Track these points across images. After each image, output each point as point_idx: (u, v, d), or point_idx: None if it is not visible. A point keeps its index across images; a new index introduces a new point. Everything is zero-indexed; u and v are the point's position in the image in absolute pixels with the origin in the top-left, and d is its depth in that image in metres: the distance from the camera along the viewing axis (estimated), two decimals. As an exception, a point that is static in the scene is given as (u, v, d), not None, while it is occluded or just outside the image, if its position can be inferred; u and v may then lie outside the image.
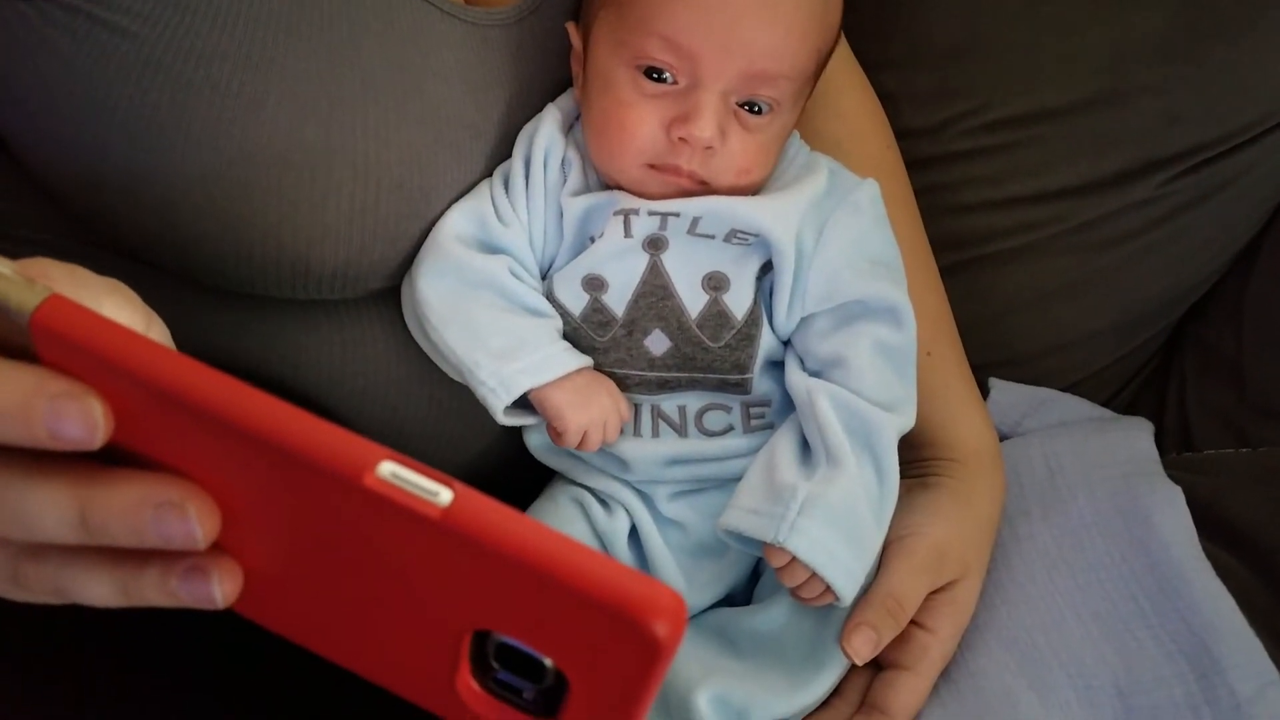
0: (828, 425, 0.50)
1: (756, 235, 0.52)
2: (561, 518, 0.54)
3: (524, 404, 0.52)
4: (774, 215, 0.52)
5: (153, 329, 0.33)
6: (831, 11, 0.53)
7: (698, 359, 0.53)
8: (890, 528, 0.52)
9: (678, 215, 0.52)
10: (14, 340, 0.28)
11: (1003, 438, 0.64)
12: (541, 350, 0.51)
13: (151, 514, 0.28)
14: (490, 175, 0.53)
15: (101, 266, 0.33)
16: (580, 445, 0.52)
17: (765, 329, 0.53)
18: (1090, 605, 0.57)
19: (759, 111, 0.51)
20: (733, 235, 0.52)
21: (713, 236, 0.52)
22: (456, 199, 0.52)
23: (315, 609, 0.30)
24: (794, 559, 0.48)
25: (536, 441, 0.56)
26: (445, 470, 0.26)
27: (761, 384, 0.54)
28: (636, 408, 0.55)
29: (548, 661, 0.27)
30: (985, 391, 0.69)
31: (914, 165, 0.66)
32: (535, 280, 0.54)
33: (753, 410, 0.55)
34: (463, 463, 0.57)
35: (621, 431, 0.54)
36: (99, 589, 0.30)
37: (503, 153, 0.53)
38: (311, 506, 0.27)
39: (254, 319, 0.51)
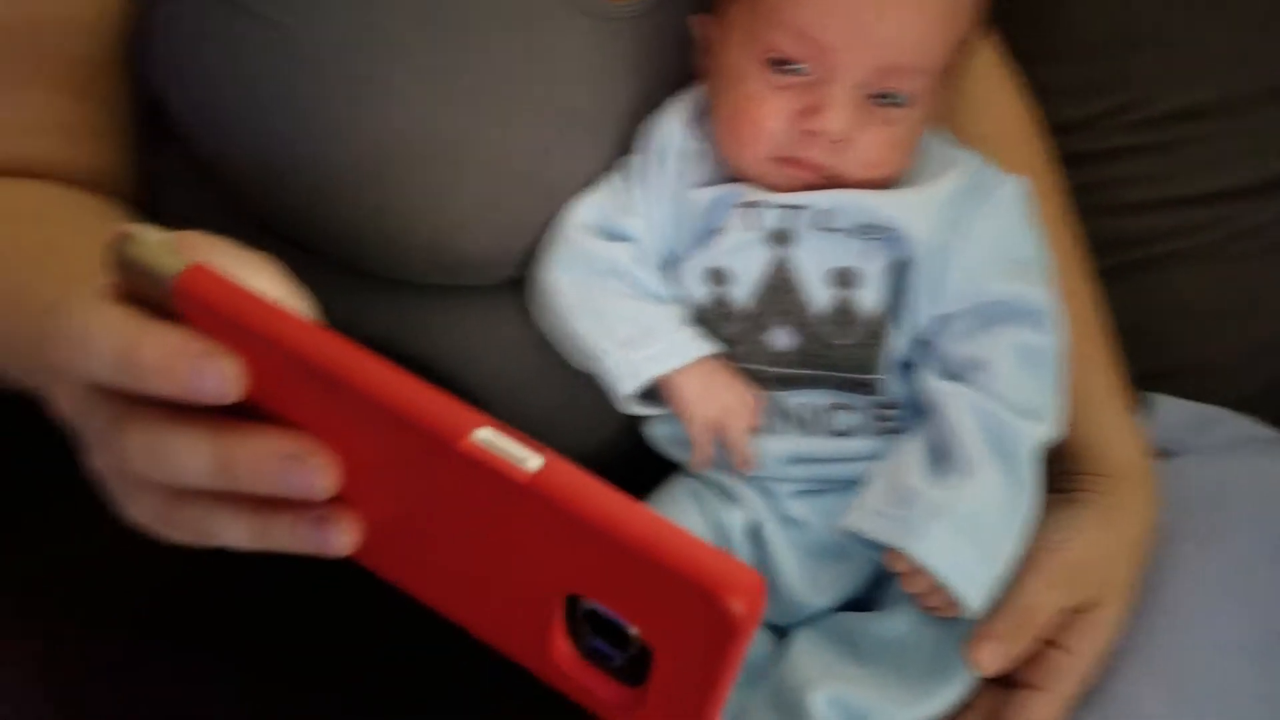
0: (963, 432, 0.48)
1: (890, 230, 0.51)
2: (678, 509, 0.54)
3: (649, 395, 0.52)
4: (909, 209, 0.50)
5: (297, 301, 0.35)
6: (971, 2, 0.51)
7: (822, 356, 0.52)
8: (1029, 541, 0.50)
9: (805, 208, 0.51)
10: (162, 302, 0.31)
11: (1165, 456, 0.60)
12: (668, 337, 0.52)
13: (277, 464, 0.31)
14: (615, 168, 0.54)
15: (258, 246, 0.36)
16: (710, 439, 0.52)
17: (895, 329, 0.52)
18: (1251, 642, 0.53)
19: (892, 104, 0.50)
20: (863, 230, 0.51)
21: (842, 230, 0.51)
22: (582, 190, 0.53)
23: (424, 563, 0.32)
24: (918, 565, 0.47)
25: (659, 433, 0.56)
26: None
27: (891, 385, 0.53)
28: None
29: (634, 631, 0.27)
30: (1142, 404, 0.65)
31: (1068, 161, 0.64)
32: (657, 271, 0.54)
33: (882, 412, 0.53)
34: (588, 453, 0.57)
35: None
36: (237, 532, 0.33)
37: (627, 145, 0.54)
38: (420, 467, 0.29)
39: (396, 300, 0.53)
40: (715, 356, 0.53)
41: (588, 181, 0.53)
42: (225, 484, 0.32)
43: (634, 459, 0.57)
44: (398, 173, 0.48)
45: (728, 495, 0.55)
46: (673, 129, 0.53)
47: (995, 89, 0.63)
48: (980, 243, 0.51)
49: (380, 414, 0.28)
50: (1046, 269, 0.53)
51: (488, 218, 0.50)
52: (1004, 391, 0.49)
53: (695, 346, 0.52)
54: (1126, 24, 0.69)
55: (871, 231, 0.51)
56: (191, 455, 0.32)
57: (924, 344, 0.53)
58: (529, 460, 0.27)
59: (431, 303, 0.53)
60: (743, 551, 0.53)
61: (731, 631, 0.24)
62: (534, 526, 0.27)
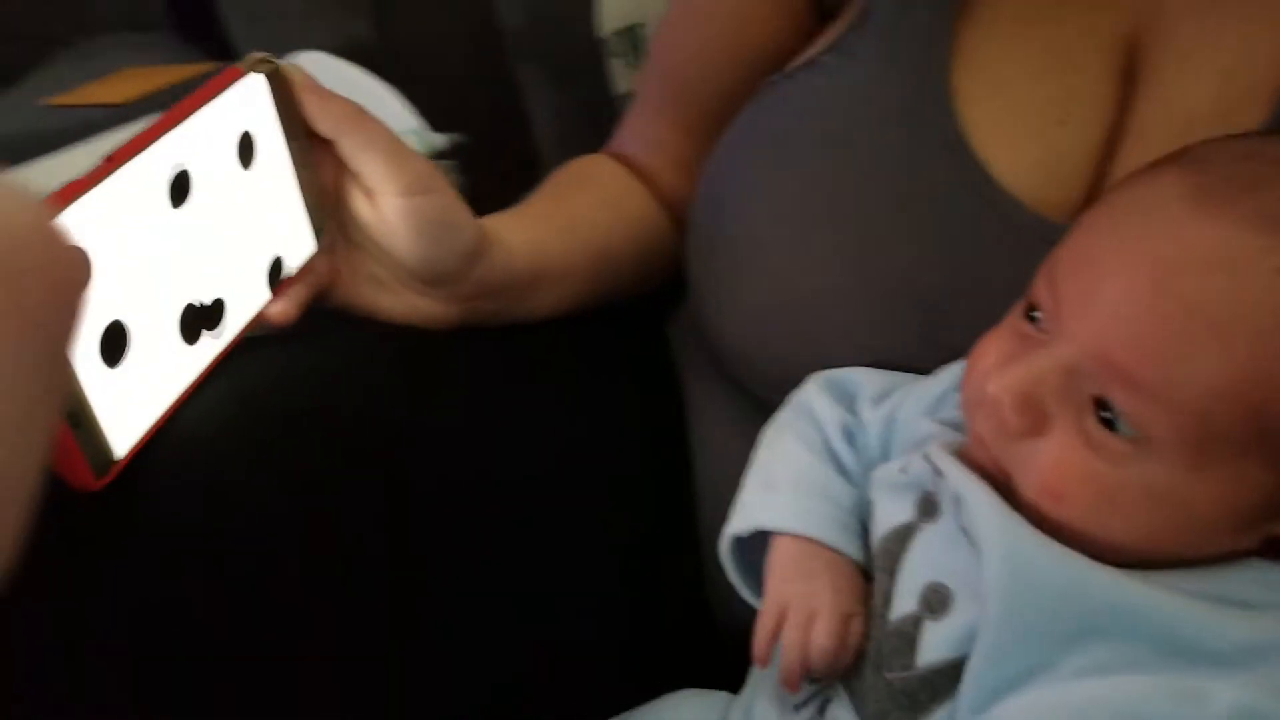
0: None
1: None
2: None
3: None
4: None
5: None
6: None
7: (856, 674, 0.42)
8: None
9: (943, 477, 0.41)
10: None
11: None
12: (805, 500, 0.45)
13: None
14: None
15: None
16: (772, 630, 0.43)
17: (948, 713, 0.38)
18: None
19: (1109, 426, 0.36)
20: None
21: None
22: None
23: None
24: None
25: None
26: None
27: None
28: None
29: None
30: None
31: None
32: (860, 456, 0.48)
33: None
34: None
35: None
36: None
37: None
38: None
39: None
40: (843, 556, 0.44)
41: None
42: None
43: None
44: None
45: None
46: None
47: None
48: None
49: None
50: None
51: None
52: None
53: (820, 525, 0.44)
54: None
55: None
56: None
57: None
58: None
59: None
60: None
61: None
62: None
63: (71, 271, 0.24)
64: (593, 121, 0.76)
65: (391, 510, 0.50)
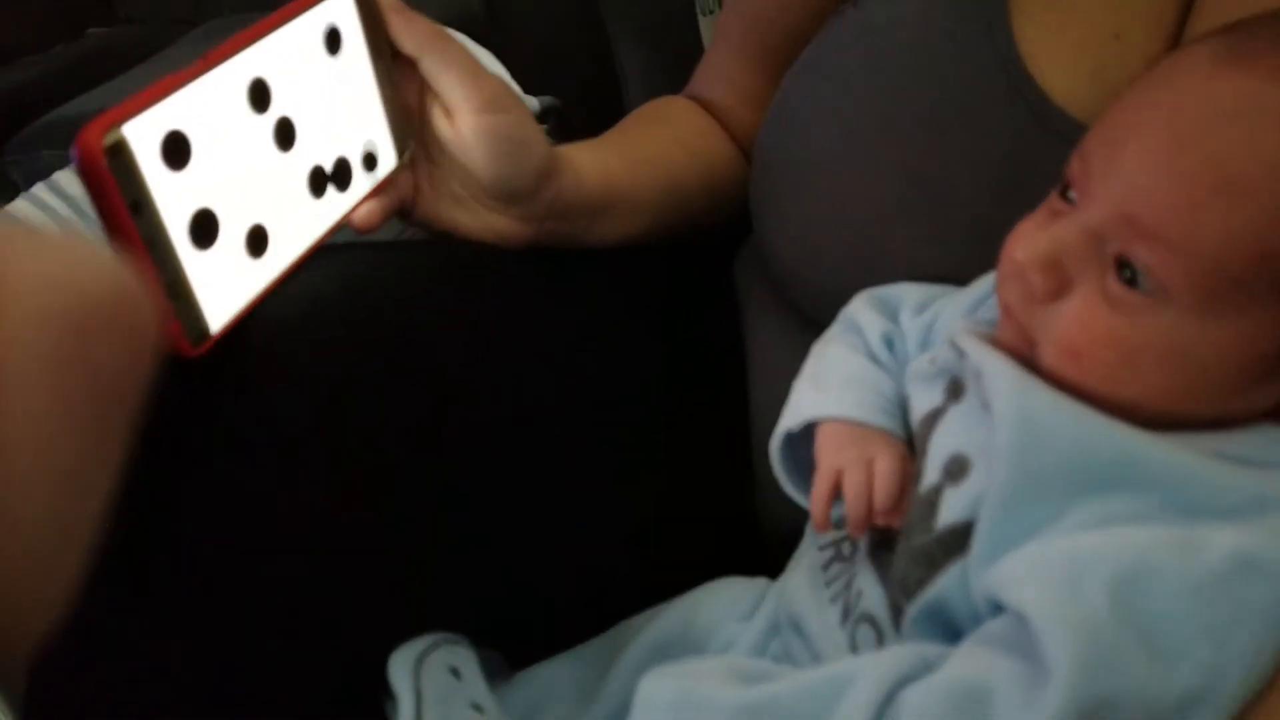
0: None
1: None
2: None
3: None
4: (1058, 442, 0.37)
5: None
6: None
7: (886, 545, 0.44)
8: None
9: (966, 357, 0.42)
10: None
11: None
12: (851, 392, 0.47)
13: None
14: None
15: None
16: (829, 493, 0.45)
17: (961, 569, 0.39)
18: None
19: (1130, 282, 0.37)
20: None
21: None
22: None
23: None
24: None
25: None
26: None
27: (910, 634, 0.42)
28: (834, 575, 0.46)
29: None
30: None
31: None
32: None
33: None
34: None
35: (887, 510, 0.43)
36: None
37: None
38: None
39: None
40: (886, 432, 0.46)
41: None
42: None
43: None
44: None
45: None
46: None
47: None
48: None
49: None
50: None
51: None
52: None
53: (867, 409, 0.46)
54: None
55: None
56: None
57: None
58: None
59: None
60: None
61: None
62: None
63: (140, 333, 0.24)
64: (682, 79, 0.78)
65: (439, 416, 0.52)
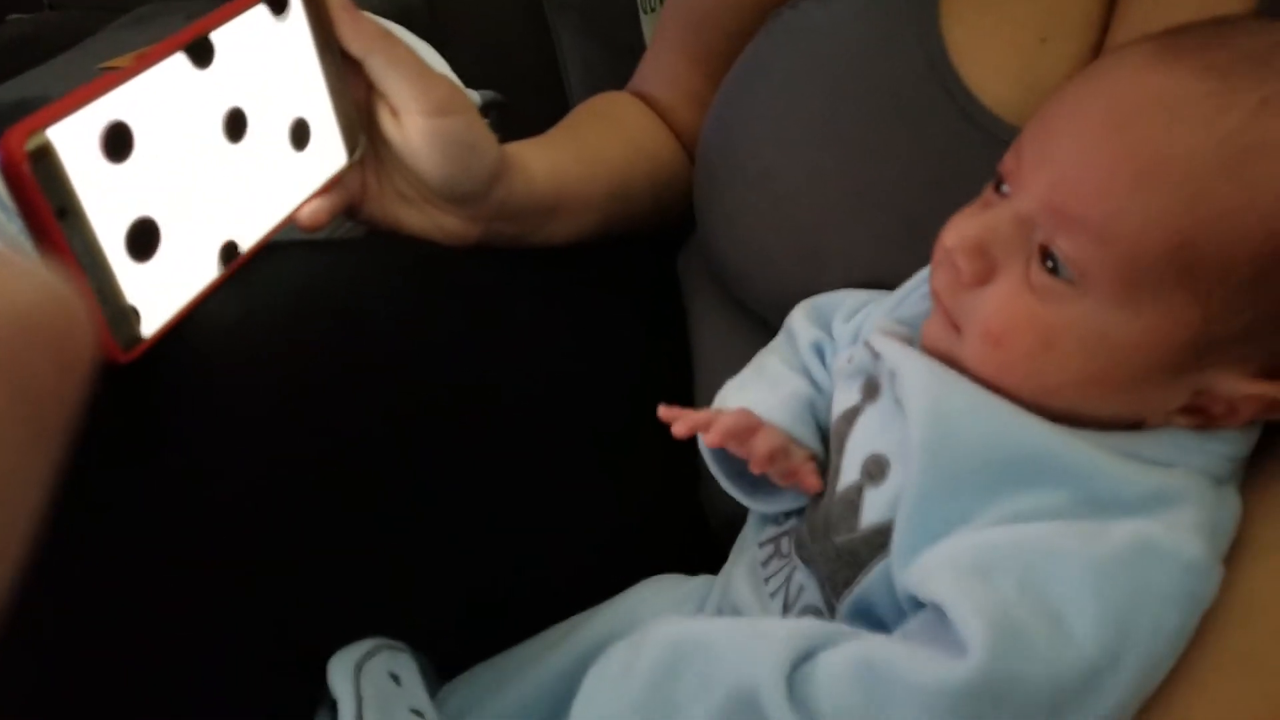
0: None
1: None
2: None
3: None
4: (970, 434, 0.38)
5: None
6: (1229, 192, 0.35)
7: (810, 542, 0.45)
8: None
9: (880, 358, 0.44)
10: None
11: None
12: (768, 394, 0.49)
13: None
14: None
15: None
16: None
17: (885, 567, 0.41)
18: None
19: (1053, 271, 0.38)
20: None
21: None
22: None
23: None
24: None
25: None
26: None
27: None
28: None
29: None
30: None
31: None
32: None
33: None
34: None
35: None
36: None
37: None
38: None
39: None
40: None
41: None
42: None
43: None
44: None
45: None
46: None
47: None
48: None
49: None
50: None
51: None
52: None
53: (776, 412, 0.48)
54: None
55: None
56: None
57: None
58: None
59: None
60: None
61: None
62: None
63: (74, 347, 0.24)
64: (625, 76, 0.78)
65: (400, 413, 0.52)
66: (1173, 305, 0.37)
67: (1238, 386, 0.38)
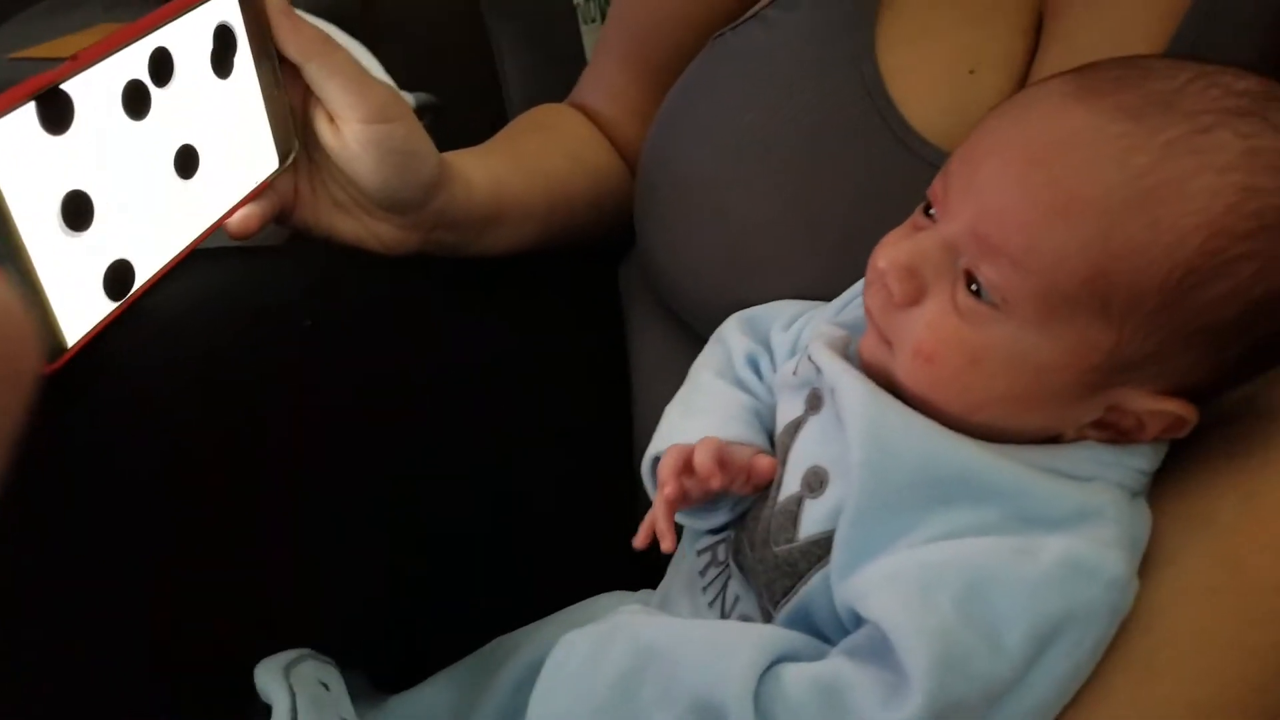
0: None
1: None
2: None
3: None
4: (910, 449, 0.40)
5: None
6: (1138, 228, 0.37)
7: (749, 551, 0.46)
8: None
9: (820, 373, 0.45)
10: None
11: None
12: (715, 419, 0.49)
13: None
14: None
15: None
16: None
17: (823, 577, 0.42)
18: None
19: (977, 295, 0.40)
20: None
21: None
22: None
23: None
24: None
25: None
26: None
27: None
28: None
29: None
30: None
31: None
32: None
33: None
34: None
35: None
36: None
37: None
38: None
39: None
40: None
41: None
42: None
43: None
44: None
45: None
46: None
47: None
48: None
49: None
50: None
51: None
52: None
53: (726, 427, 0.48)
54: None
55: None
56: None
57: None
58: None
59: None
60: None
61: None
62: None
63: (19, 358, 0.23)
64: (564, 85, 0.78)
65: (317, 410, 0.52)
66: (1089, 329, 0.39)
67: (1146, 403, 0.40)
